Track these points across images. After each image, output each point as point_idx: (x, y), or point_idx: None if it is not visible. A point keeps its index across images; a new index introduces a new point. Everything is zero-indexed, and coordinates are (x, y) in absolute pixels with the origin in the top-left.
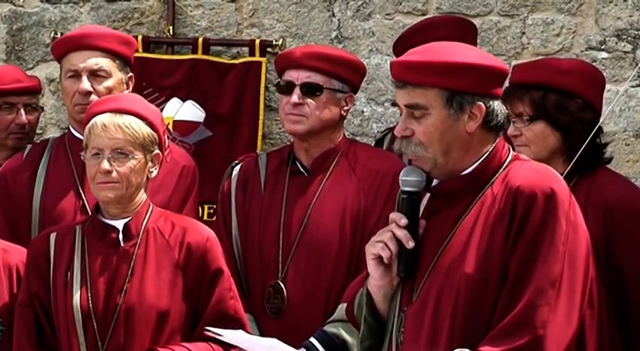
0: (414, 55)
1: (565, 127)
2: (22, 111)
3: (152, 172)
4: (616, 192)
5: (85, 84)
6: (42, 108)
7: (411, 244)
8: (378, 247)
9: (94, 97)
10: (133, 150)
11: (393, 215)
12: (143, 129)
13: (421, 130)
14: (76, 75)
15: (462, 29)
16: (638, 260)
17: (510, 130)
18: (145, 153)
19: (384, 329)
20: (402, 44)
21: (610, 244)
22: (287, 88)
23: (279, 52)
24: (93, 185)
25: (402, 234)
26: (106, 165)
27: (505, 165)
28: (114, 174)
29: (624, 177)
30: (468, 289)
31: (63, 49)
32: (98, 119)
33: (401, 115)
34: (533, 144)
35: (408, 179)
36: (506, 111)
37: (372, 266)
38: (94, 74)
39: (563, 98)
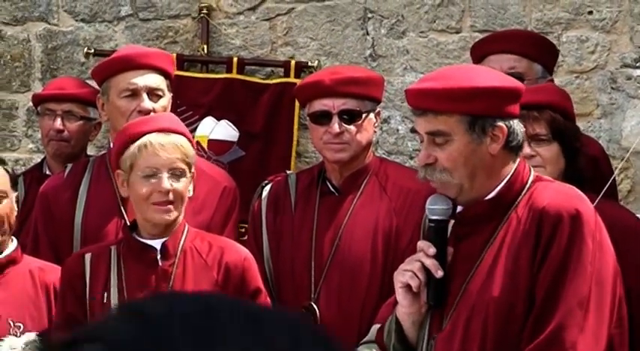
0: (431, 82)
1: (573, 152)
2: (59, 118)
3: (190, 190)
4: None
5: (147, 103)
6: (89, 119)
7: (440, 274)
8: (407, 276)
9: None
10: (186, 169)
11: (421, 244)
12: (189, 148)
13: (445, 156)
14: (134, 94)
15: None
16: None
17: (525, 151)
18: (190, 172)
19: None
20: (479, 49)
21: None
22: (323, 118)
23: (301, 83)
24: (145, 205)
25: (430, 263)
26: (167, 184)
27: (527, 186)
28: (170, 194)
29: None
30: (497, 313)
31: (117, 67)
32: (151, 139)
33: (421, 142)
34: (549, 165)
35: (435, 207)
36: (524, 129)
37: (400, 294)
38: (152, 93)
39: (570, 123)
